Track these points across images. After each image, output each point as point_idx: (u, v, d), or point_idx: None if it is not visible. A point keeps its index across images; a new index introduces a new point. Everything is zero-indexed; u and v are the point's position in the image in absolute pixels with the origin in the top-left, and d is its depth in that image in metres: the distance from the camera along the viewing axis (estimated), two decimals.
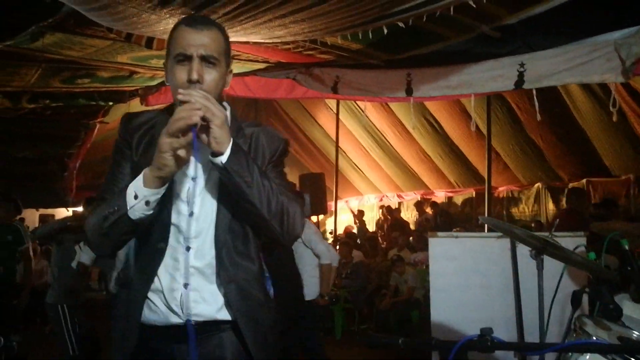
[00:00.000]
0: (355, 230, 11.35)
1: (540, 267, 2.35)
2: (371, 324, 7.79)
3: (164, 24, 3.28)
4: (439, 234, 3.75)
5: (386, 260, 8.48)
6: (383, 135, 10.03)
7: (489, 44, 4.25)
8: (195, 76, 1.54)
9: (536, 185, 9.34)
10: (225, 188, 1.60)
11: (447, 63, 4.48)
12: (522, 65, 4.17)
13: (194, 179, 1.64)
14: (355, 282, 8.12)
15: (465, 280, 3.68)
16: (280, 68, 5.18)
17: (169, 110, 1.63)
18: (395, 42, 4.09)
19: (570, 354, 1.90)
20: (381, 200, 12.19)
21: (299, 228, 1.64)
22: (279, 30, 3.41)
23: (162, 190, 1.54)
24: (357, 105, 9.23)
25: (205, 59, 1.56)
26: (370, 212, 12.33)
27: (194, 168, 1.65)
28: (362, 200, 12.62)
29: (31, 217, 11.60)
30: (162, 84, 6.42)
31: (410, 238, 9.30)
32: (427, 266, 7.34)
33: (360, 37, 3.64)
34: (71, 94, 6.60)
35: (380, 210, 11.92)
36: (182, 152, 1.48)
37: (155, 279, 1.62)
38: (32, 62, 5.19)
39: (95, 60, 5.09)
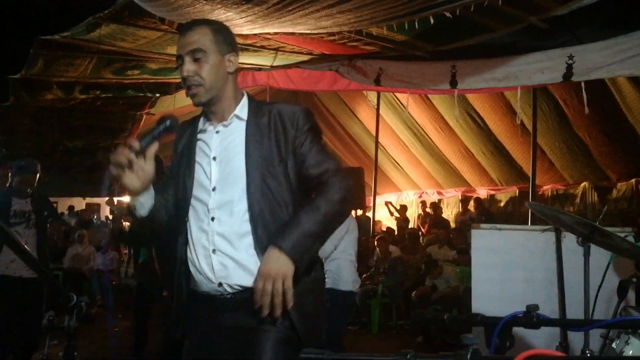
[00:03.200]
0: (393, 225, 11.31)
1: (587, 255, 2.32)
2: (408, 319, 7.76)
3: (216, 14, 3.38)
4: (482, 225, 3.73)
5: (425, 258, 8.43)
6: (424, 131, 9.95)
7: (536, 36, 4.19)
8: (184, 73, 1.74)
9: (582, 184, 9.08)
10: (255, 160, 1.76)
11: (493, 55, 4.44)
12: (570, 57, 4.09)
13: (214, 158, 1.80)
14: (393, 278, 8.11)
15: (507, 274, 3.65)
16: (323, 60, 5.24)
17: (195, 120, 1.88)
18: (440, 33, 4.09)
19: (614, 340, 1.88)
20: (420, 196, 12.08)
21: (354, 204, 1.77)
22: (325, 20, 3.46)
23: (140, 199, 1.76)
24: (398, 99, 9.17)
25: (192, 55, 1.74)
26: (409, 208, 12.23)
27: (215, 148, 1.80)
28: (400, 196, 12.52)
29: (79, 204, 12.06)
30: None
31: (451, 235, 9.21)
32: (468, 263, 7.34)
33: (406, 28, 3.65)
34: (121, 85, 6.84)
35: (420, 205, 11.82)
36: (133, 172, 1.70)
37: (191, 251, 1.81)
38: (86, 53, 5.42)
39: (146, 52, 5.28)
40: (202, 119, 1.86)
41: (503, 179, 10.20)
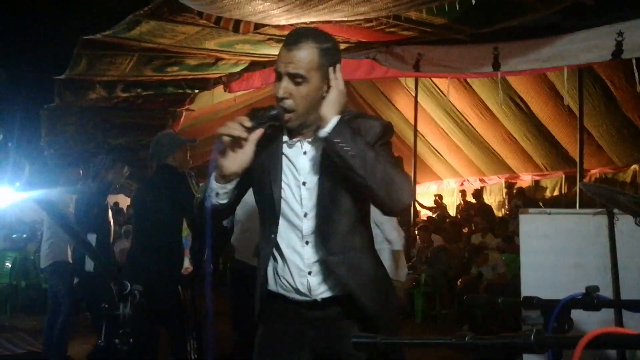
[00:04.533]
0: (434, 215, 11.17)
1: None
2: (452, 309, 7.66)
3: (253, 5, 3.38)
4: (531, 210, 3.63)
5: (468, 246, 8.29)
6: (464, 117, 9.74)
7: (582, 14, 4.03)
8: (280, 94, 1.69)
9: (632, 167, 8.74)
10: (341, 184, 1.73)
11: (537, 36, 4.29)
12: (620, 34, 3.91)
13: (304, 183, 1.80)
14: (436, 267, 8.01)
15: (558, 260, 3.54)
16: (360, 48, 5.18)
17: (279, 125, 1.82)
18: (481, 14, 3.98)
19: None
20: (462, 184, 11.88)
21: (407, 197, 1.72)
22: (363, 6, 3.41)
23: (228, 186, 1.72)
24: (437, 86, 9.01)
25: (292, 77, 1.68)
26: (451, 197, 12.05)
27: (304, 174, 1.79)
28: (441, 185, 12.35)
29: (123, 201, 12.38)
30: (245, 70, 6.62)
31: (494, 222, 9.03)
32: (513, 251, 7.18)
33: (446, 10, 3.56)
34: (161, 82, 6.95)
35: (460, 195, 11.64)
36: (231, 154, 1.66)
37: (281, 263, 1.83)
38: (127, 51, 5.51)
39: (184, 48, 5.33)
40: (286, 131, 1.80)
41: (548, 164, 9.93)
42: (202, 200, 1.75)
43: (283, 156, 1.81)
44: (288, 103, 1.69)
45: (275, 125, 1.79)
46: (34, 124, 8.46)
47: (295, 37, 1.73)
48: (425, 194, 12.15)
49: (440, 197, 11.59)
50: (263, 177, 1.82)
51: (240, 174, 1.71)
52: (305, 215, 1.79)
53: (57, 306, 4.81)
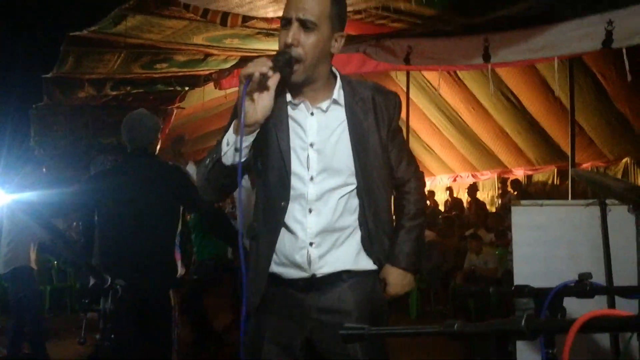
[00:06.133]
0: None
1: (638, 223, 2.19)
2: (447, 304, 7.65)
3: None
4: (523, 202, 3.61)
5: (463, 240, 8.28)
6: (456, 112, 9.73)
7: (574, 3, 4.01)
8: (289, 40, 1.59)
9: (624, 160, 8.76)
10: (359, 150, 1.72)
11: (528, 26, 4.27)
12: (610, 23, 3.89)
13: (312, 145, 1.72)
14: (429, 262, 7.99)
15: (551, 251, 3.52)
16: (351, 42, 5.13)
17: (281, 87, 1.73)
18: (471, 5, 3.95)
19: None
20: (455, 180, 11.88)
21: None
22: None
23: (249, 138, 1.61)
24: (429, 81, 8.99)
25: (303, 23, 1.60)
26: (443, 193, 12.04)
27: (312, 134, 1.72)
28: (434, 181, 12.34)
29: None
30: (235, 66, 6.56)
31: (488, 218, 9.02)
32: (506, 246, 7.17)
33: (435, 0, 3.53)
34: (150, 79, 6.89)
35: (447, 192, 11.65)
36: (253, 101, 1.56)
37: (280, 235, 1.73)
38: (114, 48, 5.45)
39: (172, 43, 5.27)
40: (289, 92, 1.71)
41: (540, 158, 9.94)
42: (218, 159, 1.62)
43: (289, 118, 1.72)
44: (297, 51, 1.60)
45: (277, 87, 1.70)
46: (24, 124, 8.37)
47: None
48: None
49: (432, 193, 11.57)
50: (269, 140, 1.71)
51: (261, 123, 1.60)
52: (312, 179, 1.69)
53: (23, 312, 4.60)
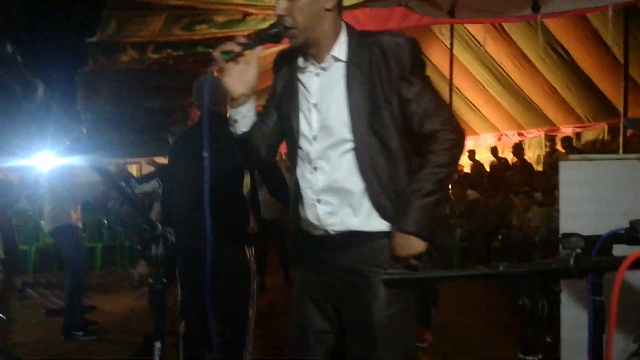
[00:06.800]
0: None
1: None
2: (488, 264, 7.57)
3: None
4: (571, 156, 3.50)
5: (507, 200, 8.13)
6: (502, 69, 9.39)
7: None
8: (279, 11, 1.65)
9: None
10: (357, 106, 1.68)
11: None
12: None
13: (315, 105, 1.74)
14: (471, 222, 7.90)
15: (602, 208, 3.38)
16: None
17: (293, 53, 1.78)
18: None
19: None
20: (500, 139, 11.57)
21: (462, 149, 1.77)
22: None
23: (242, 110, 1.72)
24: (473, 36, 8.69)
25: None
26: (487, 152, 11.76)
27: (315, 94, 1.74)
28: (478, 140, 12.05)
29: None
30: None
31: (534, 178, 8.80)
32: (552, 205, 7.00)
33: None
34: (190, 41, 6.91)
35: (491, 152, 11.34)
36: (237, 76, 1.66)
37: (299, 194, 1.80)
38: (155, 10, 5.50)
39: (212, 3, 5.27)
40: (300, 57, 1.77)
41: (590, 114, 9.56)
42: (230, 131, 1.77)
43: (298, 82, 1.78)
44: (288, 20, 1.65)
45: (291, 54, 1.78)
46: (71, 89, 8.59)
47: None
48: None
49: (473, 152, 11.32)
50: (282, 106, 1.82)
51: (249, 95, 1.71)
52: (315, 138, 1.74)
53: (67, 266, 4.80)
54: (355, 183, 1.71)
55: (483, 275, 1.02)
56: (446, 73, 8.99)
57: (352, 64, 1.69)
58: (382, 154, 1.69)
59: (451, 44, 8.26)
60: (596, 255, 1.36)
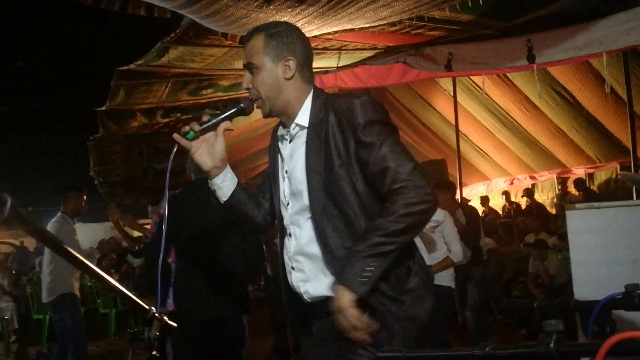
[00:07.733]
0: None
1: None
2: (509, 314, 7.38)
3: (271, 20, 3.39)
4: (577, 205, 3.43)
5: (524, 247, 8.00)
6: (507, 113, 9.44)
7: None
8: (244, 85, 1.76)
9: None
10: (314, 171, 1.70)
11: (571, 24, 4.12)
12: None
13: (286, 171, 1.80)
14: (488, 271, 7.75)
15: (611, 255, 3.32)
16: (389, 53, 5.12)
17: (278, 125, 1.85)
18: (509, 7, 3.86)
19: None
20: (512, 183, 11.50)
21: (433, 209, 1.62)
22: (383, 10, 3.37)
23: (216, 181, 1.78)
24: (475, 83, 8.80)
25: (248, 67, 1.74)
26: (499, 198, 11.67)
27: (287, 162, 1.79)
28: (490, 185, 12.00)
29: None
30: None
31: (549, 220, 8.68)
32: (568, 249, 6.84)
33: (470, 6, 3.46)
34: (198, 105, 7.10)
35: (503, 197, 11.23)
36: (206, 151, 1.72)
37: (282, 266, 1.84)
38: (161, 78, 5.67)
39: (215, 70, 5.44)
40: (280, 125, 1.82)
41: (601, 155, 9.51)
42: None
43: (277, 150, 1.84)
44: (252, 92, 1.74)
45: (275, 131, 1.85)
46: (83, 155, 8.79)
47: (247, 33, 1.80)
48: (473, 196, 11.83)
49: (487, 198, 11.25)
50: (270, 175, 1.89)
51: (221, 166, 1.75)
52: (288, 204, 1.78)
53: (67, 338, 4.67)
54: (317, 248, 1.70)
55: (470, 356, 1.00)
56: (452, 121, 9.06)
57: (312, 130, 1.71)
58: (340, 218, 1.66)
59: (454, 93, 8.37)
60: (595, 322, 1.32)
